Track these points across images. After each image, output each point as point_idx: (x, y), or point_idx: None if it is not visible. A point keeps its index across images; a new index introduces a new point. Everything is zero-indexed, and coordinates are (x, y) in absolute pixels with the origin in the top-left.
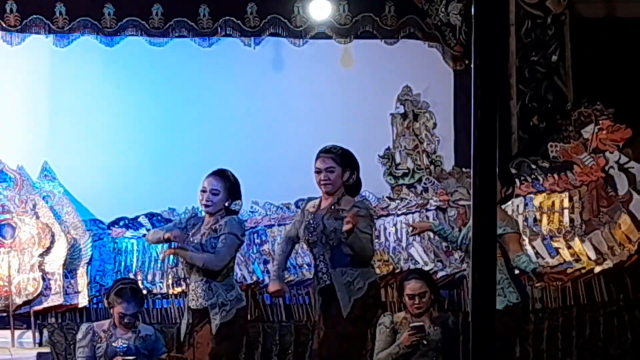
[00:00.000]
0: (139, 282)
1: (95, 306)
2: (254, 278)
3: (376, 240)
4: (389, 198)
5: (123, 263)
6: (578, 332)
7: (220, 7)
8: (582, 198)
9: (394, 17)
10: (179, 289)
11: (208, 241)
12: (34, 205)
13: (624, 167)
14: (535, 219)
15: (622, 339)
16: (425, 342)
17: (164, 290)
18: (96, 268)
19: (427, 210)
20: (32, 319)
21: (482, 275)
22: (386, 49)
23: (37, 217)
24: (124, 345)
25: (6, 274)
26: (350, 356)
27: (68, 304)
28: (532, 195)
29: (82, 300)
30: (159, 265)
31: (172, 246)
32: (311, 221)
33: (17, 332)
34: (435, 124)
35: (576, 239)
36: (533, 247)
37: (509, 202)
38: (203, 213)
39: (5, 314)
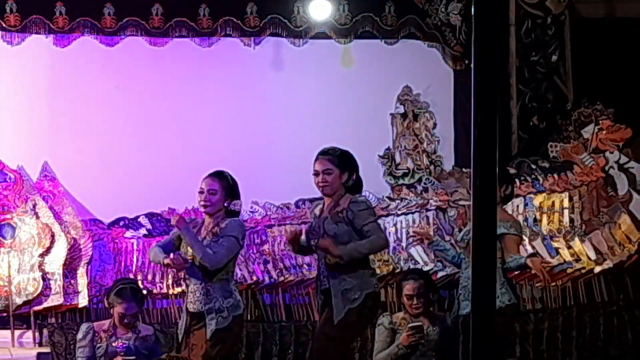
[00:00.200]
0: (139, 282)
1: (95, 306)
2: (254, 278)
3: None
4: (389, 198)
5: (123, 263)
6: (578, 332)
7: (220, 7)
8: (582, 198)
9: (394, 17)
10: (179, 289)
11: (208, 245)
12: (34, 205)
13: (624, 167)
14: (535, 219)
15: (622, 339)
16: (424, 343)
17: (164, 290)
18: (96, 268)
19: (427, 210)
20: (32, 319)
21: (482, 275)
22: (386, 49)
23: (37, 217)
24: (124, 345)
25: (6, 274)
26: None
27: (68, 304)
28: (532, 195)
29: (82, 300)
30: (158, 265)
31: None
32: (313, 225)
33: (17, 332)
34: (435, 124)
35: (576, 239)
36: (533, 247)
37: (509, 202)
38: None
39: (5, 314)
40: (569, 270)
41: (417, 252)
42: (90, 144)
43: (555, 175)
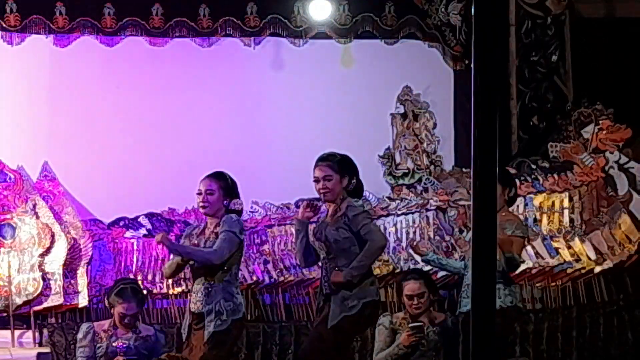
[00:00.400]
0: (139, 282)
1: (95, 306)
2: (254, 278)
3: None
4: (389, 198)
5: (123, 263)
6: (578, 332)
7: (220, 7)
8: (582, 198)
9: (394, 17)
10: (179, 289)
11: (210, 246)
12: (34, 205)
13: (624, 167)
14: (535, 219)
15: (622, 339)
16: (424, 343)
17: (164, 290)
18: (96, 268)
19: (427, 210)
20: (32, 319)
21: (482, 275)
22: (386, 49)
23: (37, 217)
24: (124, 346)
25: (6, 274)
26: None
27: (68, 304)
28: (532, 195)
29: (82, 300)
30: (158, 265)
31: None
32: (316, 230)
33: (17, 332)
34: (435, 124)
35: (576, 239)
36: (533, 247)
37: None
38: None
39: (5, 314)
40: (569, 270)
41: None
42: (90, 144)
43: (555, 175)
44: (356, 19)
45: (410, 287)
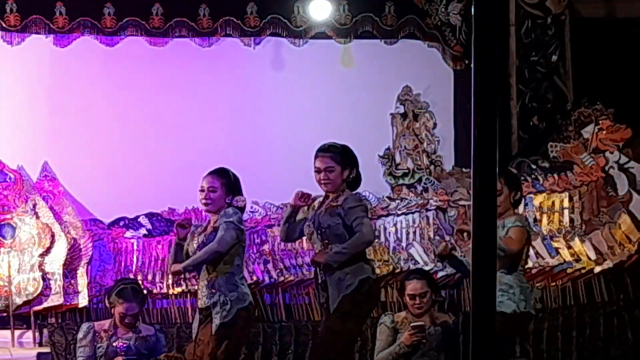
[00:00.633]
0: (140, 282)
1: (95, 306)
2: (254, 278)
3: (376, 241)
4: (389, 198)
5: (123, 263)
6: (578, 332)
7: (220, 7)
8: (582, 198)
9: (394, 17)
10: (179, 289)
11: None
12: (34, 205)
13: (624, 167)
14: (535, 219)
15: (622, 339)
16: (425, 342)
17: (164, 290)
18: (96, 268)
19: (427, 210)
20: (32, 319)
21: (482, 275)
22: (386, 49)
23: (37, 217)
24: (125, 345)
25: (6, 274)
26: (340, 351)
27: (68, 304)
28: (532, 195)
29: (82, 300)
30: (158, 265)
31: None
32: (309, 218)
33: (17, 332)
34: (435, 124)
35: (576, 239)
36: (533, 247)
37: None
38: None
39: (5, 314)
40: (569, 270)
41: (417, 252)
42: (90, 144)
43: (555, 175)
44: (356, 19)
45: (413, 286)
